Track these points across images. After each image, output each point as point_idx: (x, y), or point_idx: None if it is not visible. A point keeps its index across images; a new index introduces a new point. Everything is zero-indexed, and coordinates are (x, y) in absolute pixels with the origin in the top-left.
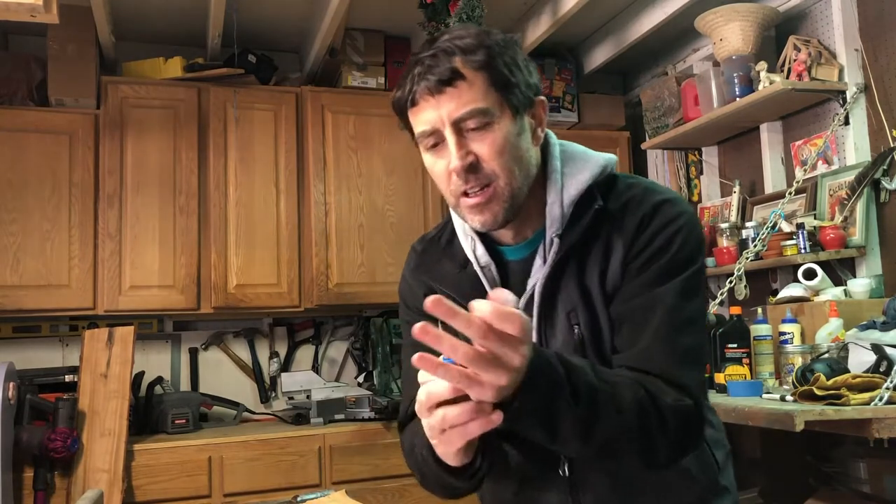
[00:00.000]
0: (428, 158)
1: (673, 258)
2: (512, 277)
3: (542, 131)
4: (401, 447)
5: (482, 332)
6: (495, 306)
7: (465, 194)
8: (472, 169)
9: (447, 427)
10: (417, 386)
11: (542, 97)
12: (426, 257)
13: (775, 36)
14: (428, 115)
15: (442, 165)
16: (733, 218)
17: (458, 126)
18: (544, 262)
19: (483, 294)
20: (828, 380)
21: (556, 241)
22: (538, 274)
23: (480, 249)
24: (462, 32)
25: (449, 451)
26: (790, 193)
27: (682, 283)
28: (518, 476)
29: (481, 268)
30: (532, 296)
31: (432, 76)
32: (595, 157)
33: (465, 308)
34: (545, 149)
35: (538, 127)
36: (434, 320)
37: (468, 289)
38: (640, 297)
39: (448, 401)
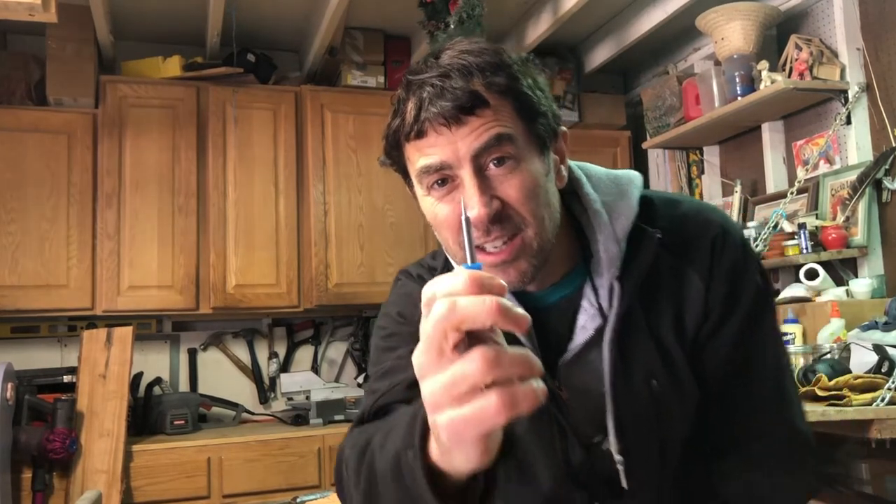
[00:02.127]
0: (428, 202)
1: (756, 297)
2: (549, 328)
3: (565, 169)
4: (339, 452)
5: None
6: None
7: (482, 249)
8: (497, 218)
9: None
10: (390, 377)
11: (564, 128)
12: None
13: (777, 35)
14: (437, 150)
15: (447, 211)
16: (735, 218)
17: (478, 163)
18: (599, 307)
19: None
20: (829, 380)
21: (616, 285)
22: (589, 325)
23: (509, 296)
24: (474, 47)
25: (471, 429)
26: (792, 193)
27: (773, 322)
28: None
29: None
30: (585, 351)
31: (446, 102)
32: (623, 177)
33: None
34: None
35: (561, 163)
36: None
37: None
38: (742, 347)
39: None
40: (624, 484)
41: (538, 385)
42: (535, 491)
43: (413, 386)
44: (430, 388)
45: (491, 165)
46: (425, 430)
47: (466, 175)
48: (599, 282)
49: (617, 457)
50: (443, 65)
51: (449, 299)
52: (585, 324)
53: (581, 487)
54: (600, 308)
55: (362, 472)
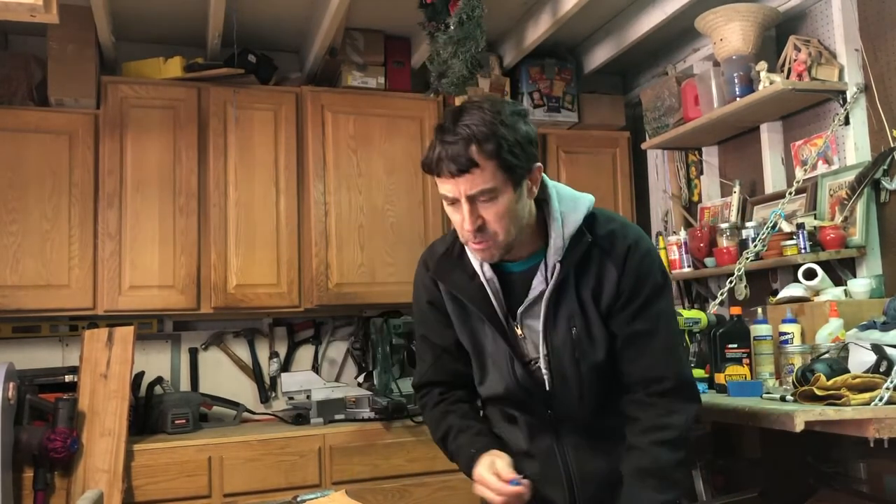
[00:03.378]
0: (447, 208)
1: (654, 284)
2: (515, 287)
3: (536, 188)
4: (421, 409)
5: None
6: None
7: (473, 239)
8: (479, 229)
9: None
10: (431, 353)
11: (539, 164)
12: (441, 268)
13: (775, 36)
14: (449, 187)
15: (457, 217)
16: (733, 218)
17: (471, 198)
18: (545, 279)
19: (487, 299)
20: (828, 380)
21: (558, 265)
22: (539, 287)
23: (486, 266)
24: (478, 118)
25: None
26: (790, 193)
27: (667, 303)
28: (523, 424)
29: (486, 280)
30: (535, 303)
31: (454, 164)
32: (582, 198)
33: (479, 308)
34: (542, 190)
35: (533, 186)
36: (441, 315)
37: (477, 295)
38: (641, 319)
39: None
40: (547, 387)
41: None
42: (497, 390)
43: (436, 357)
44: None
45: (479, 199)
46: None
47: (464, 204)
48: (549, 262)
49: (544, 371)
50: (457, 131)
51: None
52: (536, 286)
53: (523, 389)
54: (546, 278)
55: (440, 442)
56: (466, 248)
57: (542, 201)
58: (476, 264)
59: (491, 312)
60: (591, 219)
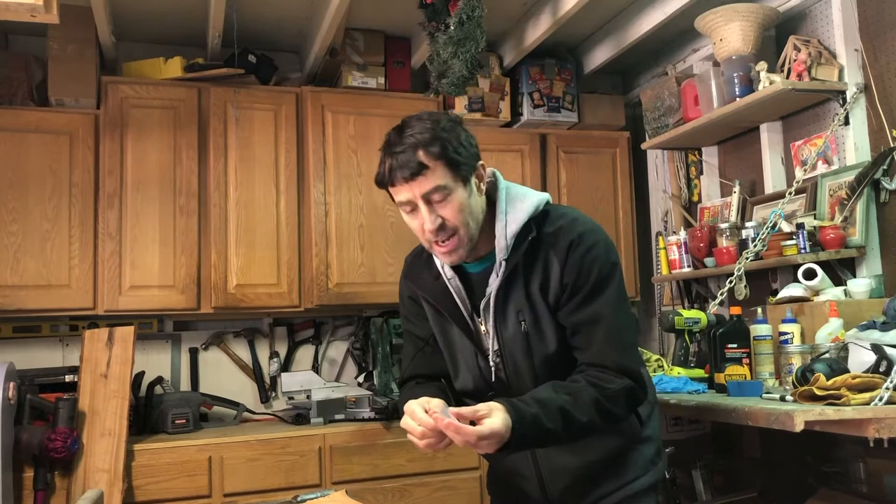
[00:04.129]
0: (405, 217)
1: (598, 275)
2: (475, 286)
3: (483, 184)
4: (399, 403)
5: (468, 445)
6: (480, 431)
7: (437, 243)
8: (441, 228)
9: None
10: (413, 346)
11: (481, 161)
12: (412, 269)
13: (775, 36)
14: (405, 193)
15: (417, 223)
16: (733, 218)
17: (427, 199)
18: (497, 276)
19: (451, 297)
20: (828, 380)
21: (503, 263)
22: (493, 286)
23: (447, 267)
24: (420, 127)
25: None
26: (790, 193)
27: (611, 294)
28: None
29: (448, 280)
30: (489, 301)
31: (406, 170)
32: (532, 197)
33: (443, 307)
34: (494, 192)
35: (480, 182)
36: (420, 308)
37: (441, 295)
38: (584, 310)
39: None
40: (502, 379)
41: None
42: (467, 385)
43: (418, 350)
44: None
45: (434, 198)
46: None
47: (421, 206)
48: (497, 260)
49: (497, 364)
50: (403, 141)
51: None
52: (491, 283)
53: (487, 383)
54: (497, 275)
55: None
56: (432, 252)
57: (493, 203)
58: (439, 267)
59: (454, 311)
60: (542, 216)
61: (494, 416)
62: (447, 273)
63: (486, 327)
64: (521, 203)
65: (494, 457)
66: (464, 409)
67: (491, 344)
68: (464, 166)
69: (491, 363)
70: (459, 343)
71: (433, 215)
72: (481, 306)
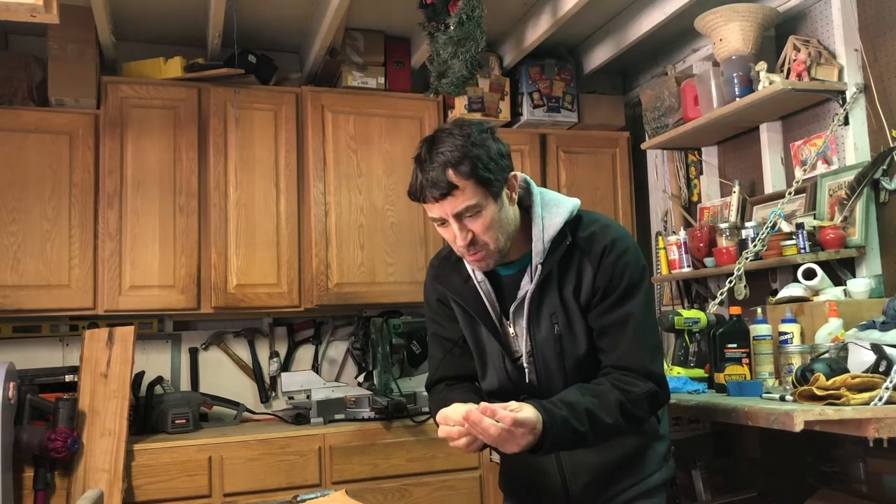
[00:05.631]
0: (439, 229)
1: (629, 281)
2: (505, 289)
3: (515, 194)
4: (430, 404)
5: (502, 436)
6: (511, 417)
7: (469, 253)
8: (472, 242)
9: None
10: (441, 349)
11: (514, 172)
12: (442, 271)
13: (775, 36)
14: (436, 210)
15: (449, 234)
16: (733, 218)
17: (457, 216)
18: (531, 279)
19: (480, 300)
20: (827, 380)
21: (539, 267)
22: (526, 288)
23: (478, 271)
24: (451, 144)
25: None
26: (790, 193)
27: (641, 298)
28: None
29: (478, 283)
30: (522, 303)
31: (436, 190)
32: (565, 202)
33: (473, 309)
34: (528, 196)
35: (512, 192)
36: (449, 310)
37: (471, 297)
38: (614, 313)
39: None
40: (526, 380)
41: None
42: (494, 385)
43: (447, 351)
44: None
45: (465, 216)
46: None
47: (453, 222)
48: (533, 264)
49: (529, 367)
50: (433, 159)
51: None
52: (524, 287)
53: (514, 385)
54: (531, 279)
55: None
56: (464, 259)
57: (530, 207)
58: (469, 269)
59: (484, 313)
60: (575, 221)
61: (526, 410)
62: (478, 276)
63: (515, 330)
64: (556, 208)
65: (517, 454)
66: (495, 405)
67: (523, 345)
68: (494, 182)
69: (524, 365)
70: (488, 345)
71: (464, 231)
72: (511, 309)
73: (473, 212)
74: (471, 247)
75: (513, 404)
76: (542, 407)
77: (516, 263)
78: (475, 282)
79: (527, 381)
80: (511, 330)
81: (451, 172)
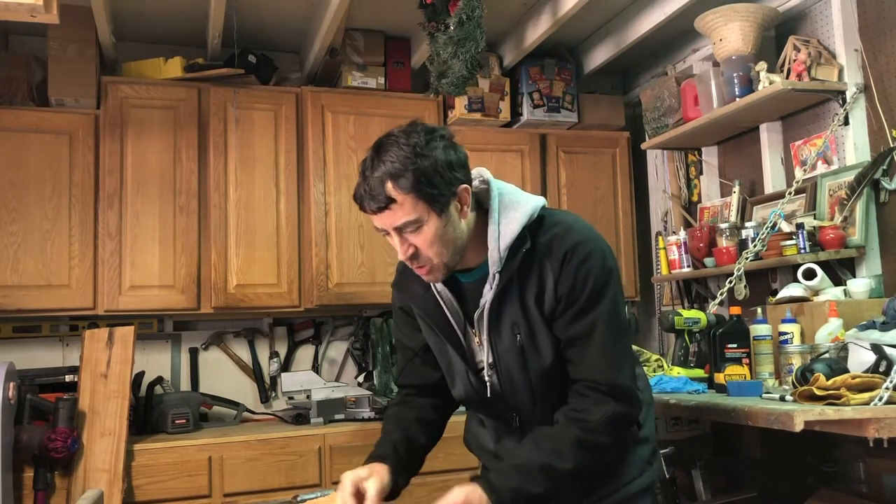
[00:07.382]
0: (385, 237)
1: (593, 287)
2: (468, 296)
3: (467, 207)
4: (389, 406)
5: None
6: None
7: (411, 265)
8: (413, 257)
9: None
10: (403, 357)
11: (464, 185)
12: (402, 279)
13: (775, 36)
14: (376, 222)
15: (394, 244)
16: (733, 218)
17: (398, 230)
18: (491, 287)
19: (441, 310)
20: (827, 380)
21: (497, 276)
22: (487, 296)
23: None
24: (394, 154)
25: None
26: (790, 193)
27: (607, 304)
28: (491, 428)
29: (438, 292)
30: (483, 313)
31: (374, 203)
32: (525, 203)
33: (433, 321)
34: (486, 199)
35: (464, 206)
36: (411, 319)
37: (431, 308)
38: (579, 323)
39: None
40: (488, 394)
41: None
42: (461, 395)
43: (407, 360)
44: None
45: (406, 230)
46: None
47: (394, 235)
48: (490, 272)
49: (492, 378)
50: (375, 169)
51: None
52: (485, 294)
53: (479, 395)
54: (491, 287)
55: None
56: None
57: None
58: None
59: (445, 325)
60: (537, 223)
61: (455, 492)
62: (437, 286)
63: (481, 338)
64: (514, 212)
65: (489, 459)
66: None
67: (486, 357)
68: (439, 197)
69: (486, 378)
70: (452, 357)
71: (405, 245)
72: (475, 317)
73: (414, 227)
74: (413, 260)
75: (454, 492)
76: (490, 486)
77: (476, 270)
78: (435, 291)
79: (489, 394)
80: (477, 339)
81: (389, 185)
